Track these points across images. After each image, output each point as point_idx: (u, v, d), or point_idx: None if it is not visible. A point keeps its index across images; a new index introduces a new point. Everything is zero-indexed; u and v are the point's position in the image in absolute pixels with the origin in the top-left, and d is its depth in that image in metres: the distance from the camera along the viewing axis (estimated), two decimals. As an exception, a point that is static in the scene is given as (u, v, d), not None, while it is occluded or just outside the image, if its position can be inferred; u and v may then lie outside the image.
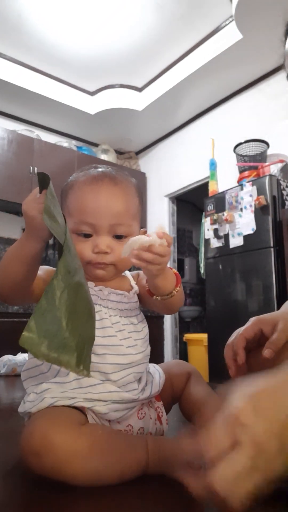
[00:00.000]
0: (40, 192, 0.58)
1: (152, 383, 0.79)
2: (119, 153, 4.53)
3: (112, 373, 0.71)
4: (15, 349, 2.32)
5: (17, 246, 0.63)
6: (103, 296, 0.77)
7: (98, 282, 0.77)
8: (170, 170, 4.13)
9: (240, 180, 2.73)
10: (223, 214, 2.69)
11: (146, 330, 0.82)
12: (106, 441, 0.60)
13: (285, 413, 0.42)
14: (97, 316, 0.72)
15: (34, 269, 0.65)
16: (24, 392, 0.75)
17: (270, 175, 2.48)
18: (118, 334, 0.75)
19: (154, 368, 0.85)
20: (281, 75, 3.13)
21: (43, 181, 0.57)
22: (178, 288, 0.72)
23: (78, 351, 0.53)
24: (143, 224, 3.94)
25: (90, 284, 0.76)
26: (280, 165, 2.61)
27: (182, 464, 0.58)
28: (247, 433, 0.41)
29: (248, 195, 2.53)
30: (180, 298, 0.75)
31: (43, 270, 0.75)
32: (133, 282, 0.84)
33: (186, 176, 3.91)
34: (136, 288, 0.83)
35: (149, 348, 0.80)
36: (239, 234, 2.58)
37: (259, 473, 0.40)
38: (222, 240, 2.71)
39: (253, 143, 2.80)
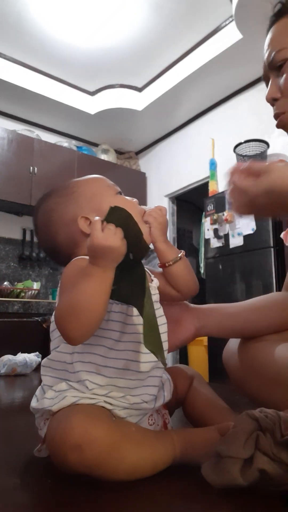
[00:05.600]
0: (104, 222, 0.60)
1: (164, 389, 0.78)
2: (119, 153, 4.53)
3: (144, 372, 0.70)
4: (15, 349, 2.32)
5: (94, 282, 0.61)
6: None
7: None
8: (170, 170, 4.12)
9: (240, 180, 2.73)
10: (223, 214, 2.69)
11: None
12: (138, 434, 0.63)
13: None
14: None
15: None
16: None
17: (270, 175, 2.47)
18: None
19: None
20: (281, 75, 3.13)
21: (118, 214, 0.59)
22: (181, 254, 0.81)
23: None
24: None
25: None
26: (280, 165, 2.61)
27: (207, 453, 0.60)
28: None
29: (248, 195, 2.53)
30: (187, 272, 0.83)
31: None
32: (152, 276, 0.82)
33: (186, 176, 3.91)
34: (156, 280, 0.81)
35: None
36: (239, 234, 2.58)
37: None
38: (222, 240, 2.71)
39: (253, 143, 2.81)
